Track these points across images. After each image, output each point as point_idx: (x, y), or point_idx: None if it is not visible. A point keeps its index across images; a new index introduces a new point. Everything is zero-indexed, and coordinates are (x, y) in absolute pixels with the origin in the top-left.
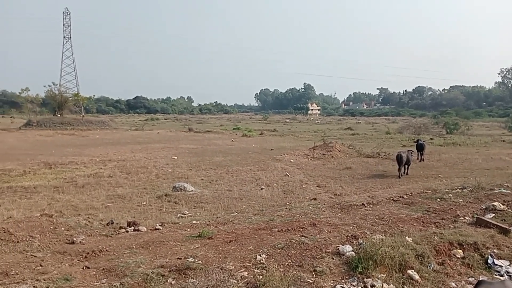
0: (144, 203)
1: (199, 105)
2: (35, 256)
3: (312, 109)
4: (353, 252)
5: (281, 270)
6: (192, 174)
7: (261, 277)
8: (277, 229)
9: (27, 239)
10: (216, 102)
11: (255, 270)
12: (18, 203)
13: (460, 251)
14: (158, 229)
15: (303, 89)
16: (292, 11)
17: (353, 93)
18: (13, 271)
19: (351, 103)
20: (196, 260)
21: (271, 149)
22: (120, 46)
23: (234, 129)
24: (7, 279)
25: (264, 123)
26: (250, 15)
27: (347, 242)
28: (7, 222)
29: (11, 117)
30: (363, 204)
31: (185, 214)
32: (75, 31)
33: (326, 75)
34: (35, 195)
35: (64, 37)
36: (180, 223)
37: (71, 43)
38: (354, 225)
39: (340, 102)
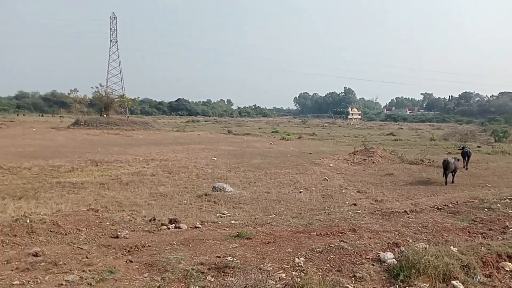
0: (185, 201)
1: (238, 108)
2: (81, 248)
3: (352, 114)
4: (394, 260)
5: (320, 274)
6: (231, 175)
7: (299, 279)
8: (315, 233)
9: (75, 232)
10: (255, 105)
11: (293, 273)
12: (66, 198)
13: (509, 263)
14: (198, 227)
15: (343, 93)
16: (332, 14)
17: (396, 98)
18: (61, 262)
19: (393, 108)
20: (234, 259)
21: (310, 153)
22: (164, 49)
23: (272, 132)
24: (56, 269)
25: (302, 127)
26: (289, 18)
27: (388, 249)
28: (56, 215)
29: (60, 116)
30: (405, 211)
31: (224, 214)
32: (121, 34)
33: (367, 79)
34: (82, 191)
35: (111, 40)
36: (219, 222)
37: (117, 47)
38: (395, 233)
39: (382, 107)
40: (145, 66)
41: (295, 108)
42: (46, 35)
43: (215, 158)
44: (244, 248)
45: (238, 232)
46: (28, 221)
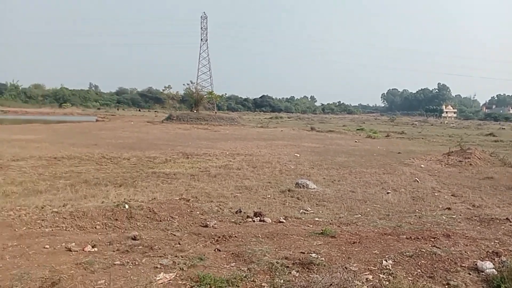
0: (269, 196)
1: (322, 104)
2: (174, 235)
3: (447, 112)
4: (494, 270)
5: (410, 279)
6: (314, 172)
7: (387, 283)
8: (405, 236)
9: (168, 219)
10: (339, 102)
11: (380, 275)
12: (160, 187)
13: None
14: (281, 222)
15: (436, 90)
16: (424, 7)
17: (497, 95)
18: (157, 246)
19: (493, 106)
20: (319, 256)
21: (399, 152)
22: (249, 47)
23: (357, 129)
24: (151, 252)
25: (390, 125)
26: (373, 11)
27: (487, 258)
28: (152, 202)
29: (155, 111)
30: (507, 218)
31: (307, 211)
32: (211, 33)
33: (464, 75)
34: (174, 181)
35: (201, 39)
36: (303, 218)
37: (207, 45)
38: (495, 241)
39: (481, 105)
40: (233, 63)
41: (383, 105)
42: (143, 34)
43: (298, 155)
44: (328, 246)
45: (322, 230)
46: (127, 207)
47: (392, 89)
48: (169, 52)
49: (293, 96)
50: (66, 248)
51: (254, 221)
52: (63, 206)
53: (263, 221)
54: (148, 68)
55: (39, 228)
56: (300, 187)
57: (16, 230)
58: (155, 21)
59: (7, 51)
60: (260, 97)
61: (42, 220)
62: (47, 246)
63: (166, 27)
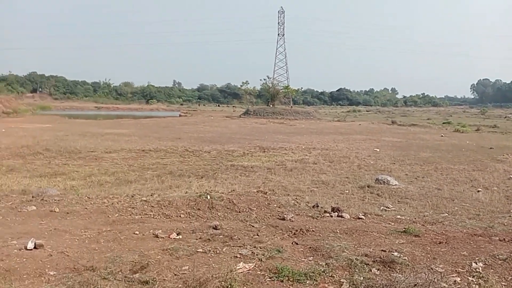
0: (347, 191)
1: (404, 97)
2: (252, 226)
3: None
4: None
5: (503, 284)
6: (395, 168)
7: (477, 286)
8: (497, 238)
9: (247, 210)
10: (423, 93)
11: (469, 278)
12: (239, 179)
13: None
14: (361, 218)
15: None
16: None
17: None
18: (236, 236)
19: None
20: (401, 255)
21: (491, 148)
22: (325, 39)
23: (444, 123)
24: (231, 242)
25: (481, 118)
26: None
27: None
28: (231, 194)
29: (233, 106)
30: None
31: (388, 208)
32: (287, 27)
33: None
34: (252, 174)
35: (278, 34)
36: (384, 216)
37: (284, 40)
38: None
39: None
40: (309, 57)
41: (472, 97)
42: (222, 32)
43: (378, 150)
44: (411, 245)
45: (405, 228)
46: (209, 197)
47: (483, 79)
48: (247, 48)
49: (372, 89)
50: (153, 234)
51: (331, 216)
52: (151, 195)
53: (341, 216)
54: (227, 65)
55: (130, 215)
56: (381, 183)
57: (110, 216)
58: (233, 19)
59: (100, 52)
60: (337, 90)
61: (132, 208)
62: (137, 232)
63: (244, 24)
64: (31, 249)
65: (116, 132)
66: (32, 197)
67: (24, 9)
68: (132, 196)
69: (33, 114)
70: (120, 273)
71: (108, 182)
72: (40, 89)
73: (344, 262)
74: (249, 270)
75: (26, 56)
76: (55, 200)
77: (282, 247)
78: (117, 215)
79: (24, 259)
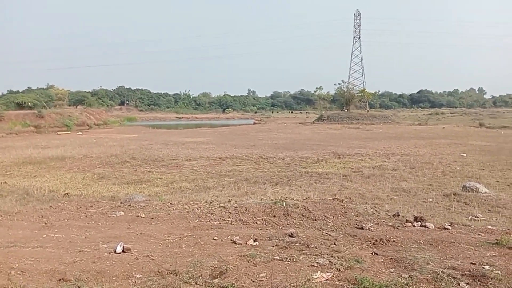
0: (430, 199)
1: (493, 97)
2: (329, 235)
3: None
4: None
5: None
6: (484, 174)
7: None
8: None
9: (323, 218)
10: None
11: None
12: (313, 186)
13: None
14: (446, 228)
15: None
16: None
17: None
18: (313, 245)
19: None
20: (494, 269)
21: None
22: (403, 40)
23: None
24: (308, 251)
25: None
26: None
27: None
28: (306, 201)
29: (306, 112)
30: None
31: (477, 217)
32: (363, 29)
33: None
34: (327, 181)
35: (354, 37)
36: (472, 226)
37: (360, 43)
38: None
39: None
40: (386, 58)
41: None
42: (294, 38)
43: (464, 154)
44: (505, 258)
45: (496, 239)
46: (284, 204)
47: None
48: (320, 53)
49: (457, 89)
50: (231, 240)
51: (414, 226)
52: (228, 201)
53: (425, 226)
54: (300, 71)
55: (209, 221)
56: (468, 191)
57: (190, 222)
58: (306, 25)
59: (181, 65)
60: (417, 92)
61: (211, 214)
62: (216, 238)
63: (317, 29)
64: (119, 253)
65: (195, 141)
66: (121, 203)
67: (113, 30)
68: (211, 202)
69: (121, 125)
70: (200, 277)
71: (189, 189)
72: (127, 102)
73: (429, 275)
74: (327, 279)
75: (115, 72)
76: (141, 206)
77: (361, 257)
78: (197, 220)
79: (113, 262)
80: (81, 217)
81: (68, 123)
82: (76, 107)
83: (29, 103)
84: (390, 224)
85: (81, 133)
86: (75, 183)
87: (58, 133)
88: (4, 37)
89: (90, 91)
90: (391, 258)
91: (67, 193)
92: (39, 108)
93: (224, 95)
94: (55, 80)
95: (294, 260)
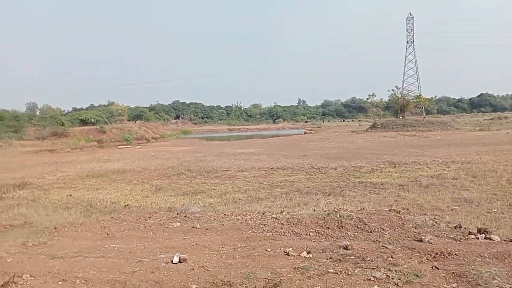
0: (495, 210)
1: None
2: (386, 247)
3: None
4: None
5: None
6: None
7: None
8: None
9: (379, 230)
10: None
11: None
12: (368, 197)
13: None
14: None
15: None
16: None
17: None
18: (368, 258)
19: None
20: None
21: None
22: (460, 41)
23: None
24: (363, 264)
25: None
26: None
27: None
28: (361, 212)
29: (359, 120)
30: None
31: None
32: (417, 33)
33: None
34: (382, 191)
35: (407, 41)
36: None
37: (413, 47)
38: None
39: None
40: (442, 62)
41: None
42: (344, 45)
43: None
44: None
45: None
46: (338, 216)
47: None
48: (372, 59)
49: None
50: (284, 252)
51: (478, 238)
52: (280, 212)
53: (490, 239)
54: (352, 78)
55: (262, 232)
56: None
57: (243, 233)
58: (356, 30)
59: (232, 78)
60: (478, 96)
61: (264, 225)
62: (269, 249)
63: (368, 35)
64: (176, 263)
65: (247, 152)
66: (177, 214)
67: (164, 47)
68: (263, 213)
69: (177, 138)
70: None
71: (241, 200)
72: (182, 116)
73: None
74: None
75: (170, 87)
76: (196, 217)
77: (420, 271)
78: (250, 231)
79: (171, 272)
80: (140, 228)
81: (128, 137)
82: (135, 122)
83: (92, 119)
84: (452, 236)
85: (140, 146)
86: (135, 194)
87: (119, 147)
88: (68, 57)
89: (148, 106)
90: (453, 273)
91: (127, 205)
92: (101, 123)
93: (274, 105)
94: (116, 97)
95: (349, 273)
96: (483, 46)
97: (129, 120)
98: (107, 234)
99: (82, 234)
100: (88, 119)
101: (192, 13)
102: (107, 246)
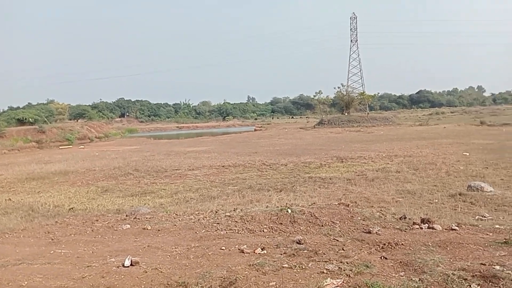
0: (436, 200)
1: (492, 94)
2: (337, 240)
3: None
4: None
5: None
6: (489, 173)
7: None
8: None
9: (329, 224)
10: None
11: None
12: (318, 192)
13: None
14: (454, 229)
15: None
16: None
17: None
18: (321, 251)
19: None
20: (504, 269)
21: None
22: (400, 40)
23: None
24: (316, 257)
25: None
26: None
27: None
28: (312, 207)
29: (306, 117)
30: None
31: (484, 217)
32: (360, 33)
33: None
34: (331, 186)
35: (351, 40)
36: (480, 226)
37: (357, 46)
38: None
39: None
40: (383, 60)
41: None
42: (291, 43)
43: (467, 153)
44: None
45: (505, 239)
46: (290, 211)
47: None
48: (318, 58)
49: (456, 88)
50: (239, 249)
51: (421, 228)
52: (234, 210)
53: (432, 228)
54: (299, 76)
55: (215, 231)
56: (474, 190)
57: (197, 232)
58: (302, 30)
59: (180, 75)
60: (417, 93)
61: (217, 223)
62: (223, 248)
63: (313, 34)
64: (128, 266)
65: (197, 150)
66: (126, 215)
67: (111, 42)
68: (216, 212)
69: (122, 137)
70: None
71: (193, 199)
72: (127, 114)
73: (440, 278)
74: (337, 286)
75: (114, 84)
76: (146, 218)
77: (370, 262)
78: (204, 231)
79: (122, 276)
80: (88, 232)
81: (69, 137)
82: (77, 121)
83: (30, 119)
84: (398, 227)
85: (82, 146)
86: (80, 197)
87: (60, 147)
88: (3, 54)
89: (90, 104)
90: (401, 262)
91: (72, 208)
92: (40, 123)
93: (224, 103)
94: (55, 95)
95: (303, 267)
96: (420, 45)
97: (70, 119)
98: (52, 239)
99: (24, 240)
100: (25, 119)
101: (138, 7)
102: (52, 252)
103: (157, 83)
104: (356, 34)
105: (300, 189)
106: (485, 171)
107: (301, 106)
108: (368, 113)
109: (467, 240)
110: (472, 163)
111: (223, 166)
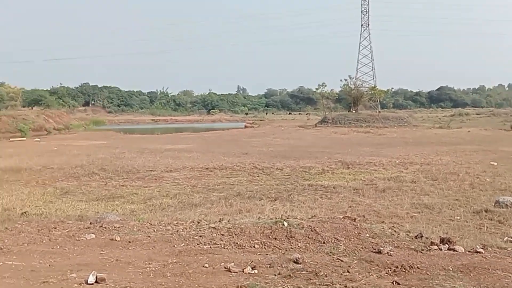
0: (458, 217)
1: None
2: (341, 260)
3: None
4: None
5: None
6: None
7: None
8: None
9: (333, 241)
10: None
11: None
12: (319, 202)
13: None
14: (479, 252)
15: None
16: None
17: None
18: (322, 272)
19: None
20: None
21: None
22: (419, 27)
23: None
24: (316, 280)
25: None
26: None
27: None
28: (312, 220)
29: (307, 114)
30: None
31: None
32: (373, 18)
33: None
34: (335, 196)
35: (362, 25)
36: (509, 249)
37: (369, 31)
38: None
39: None
40: (399, 50)
41: None
42: (291, 27)
43: (495, 163)
44: None
45: None
46: (286, 225)
47: None
48: (323, 45)
49: (483, 86)
50: (225, 268)
51: (440, 249)
52: (219, 221)
53: (453, 249)
54: (299, 65)
55: (197, 244)
56: (502, 207)
57: (175, 246)
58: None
59: (156, 59)
60: (437, 89)
61: (200, 236)
62: (206, 265)
63: (318, 17)
64: (92, 283)
65: (176, 148)
66: (90, 223)
67: (73, 15)
68: (198, 222)
69: (86, 130)
70: None
71: (171, 206)
72: (93, 102)
73: None
74: None
75: (77, 66)
76: (115, 227)
77: (380, 287)
78: (183, 244)
79: None
80: (44, 241)
81: (22, 127)
82: (32, 108)
83: None
84: (412, 247)
85: (38, 139)
86: (34, 199)
87: (11, 139)
88: None
89: (49, 89)
90: None
91: (25, 212)
92: None
93: (209, 93)
94: (5, 77)
95: None
96: (443, 34)
97: (24, 106)
98: (1, 249)
99: None
100: None
101: None
102: (1, 263)
103: (129, 67)
104: (368, 18)
105: (298, 198)
106: None
107: (301, 100)
108: (379, 112)
109: (494, 265)
110: (500, 175)
111: (207, 169)
